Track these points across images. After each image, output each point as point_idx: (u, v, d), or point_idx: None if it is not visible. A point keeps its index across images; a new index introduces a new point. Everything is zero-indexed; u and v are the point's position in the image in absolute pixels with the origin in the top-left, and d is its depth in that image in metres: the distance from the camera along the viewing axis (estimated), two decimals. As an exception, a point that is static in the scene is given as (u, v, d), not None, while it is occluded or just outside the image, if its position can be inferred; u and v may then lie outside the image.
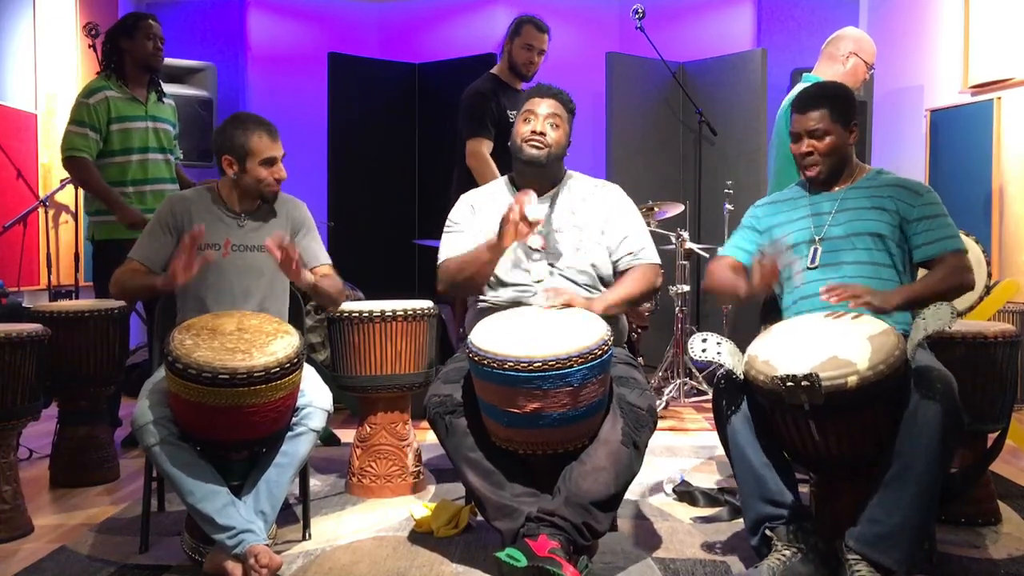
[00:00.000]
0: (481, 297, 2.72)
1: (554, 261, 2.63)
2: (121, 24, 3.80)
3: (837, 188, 2.56)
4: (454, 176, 3.90)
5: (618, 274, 2.70)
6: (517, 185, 2.76)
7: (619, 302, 2.59)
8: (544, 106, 2.66)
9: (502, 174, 3.55)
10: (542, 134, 2.63)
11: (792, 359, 2.13)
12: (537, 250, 2.63)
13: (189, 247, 2.48)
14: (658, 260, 2.74)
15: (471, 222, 2.74)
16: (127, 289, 2.68)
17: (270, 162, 2.69)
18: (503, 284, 2.66)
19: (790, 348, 2.20)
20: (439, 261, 2.77)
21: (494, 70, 3.97)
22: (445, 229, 2.81)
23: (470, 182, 3.68)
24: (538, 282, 2.61)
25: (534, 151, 2.64)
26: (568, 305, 2.46)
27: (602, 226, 2.68)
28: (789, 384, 2.04)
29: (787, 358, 2.14)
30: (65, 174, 5.04)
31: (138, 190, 3.71)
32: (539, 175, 2.69)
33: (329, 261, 2.88)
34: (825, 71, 3.32)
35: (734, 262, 2.65)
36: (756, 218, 2.69)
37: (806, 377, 2.03)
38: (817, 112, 2.51)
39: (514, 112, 3.79)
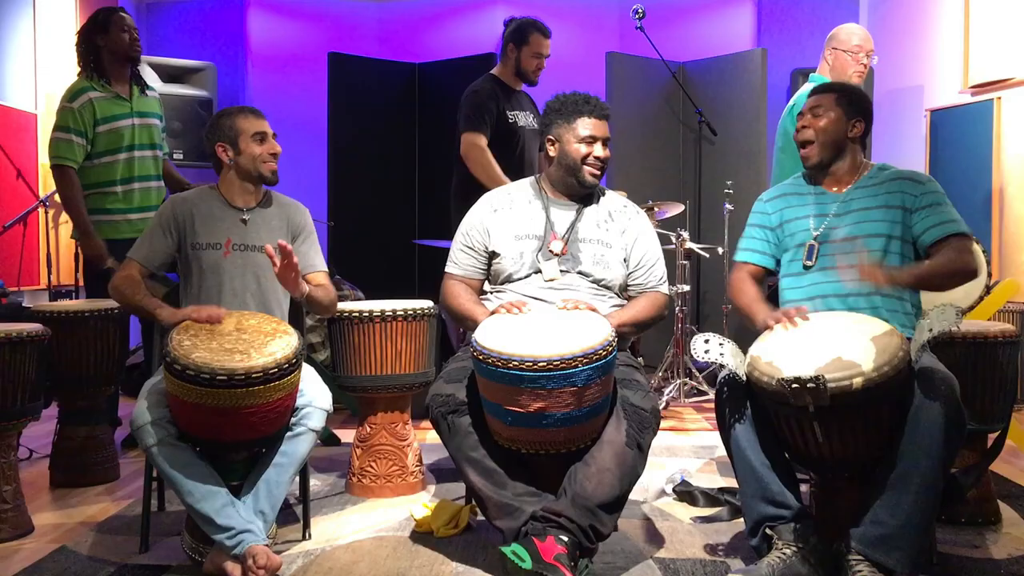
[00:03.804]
0: (487, 288, 2.74)
1: (571, 268, 2.63)
2: (92, 22, 3.71)
3: (842, 188, 2.56)
4: (453, 179, 3.89)
5: (629, 297, 2.72)
6: (546, 192, 2.75)
7: (629, 323, 2.60)
8: (603, 129, 2.67)
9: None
10: (606, 160, 2.67)
11: (796, 360, 2.13)
12: (557, 254, 2.64)
13: (211, 316, 2.47)
14: (668, 291, 2.76)
15: (484, 239, 2.71)
16: (127, 303, 2.66)
17: (261, 137, 2.71)
18: (511, 280, 2.66)
19: (793, 349, 2.19)
20: (446, 270, 2.76)
21: (494, 71, 3.96)
22: (458, 238, 2.77)
23: (470, 183, 3.67)
24: (549, 281, 2.61)
25: (594, 178, 2.67)
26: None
27: (628, 247, 2.69)
28: (794, 386, 2.04)
29: (791, 359, 2.14)
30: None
31: (125, 189, 3.68)
32: (583, 191, 2.71)
33: (325, 269, 2.87)
34: (822, 75, 3.43)
35: (755, 269, 2.62)
36: (766, 214, 2.65)
37: (812, 379, 2.02)
38: (823, 95, 2.56)
39: (514, 113, 3.79)
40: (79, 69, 3.75)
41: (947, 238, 2.39)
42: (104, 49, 3.68)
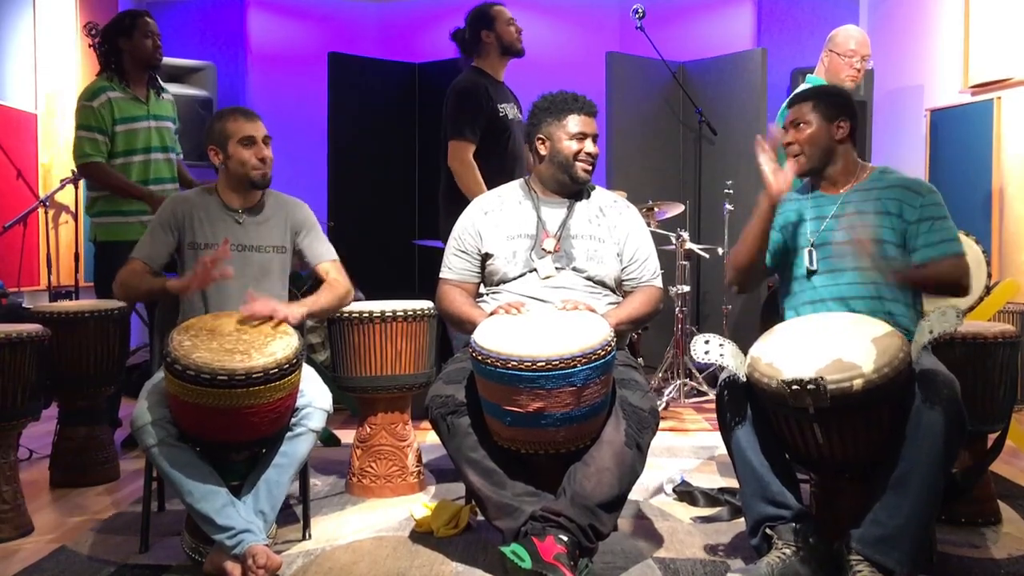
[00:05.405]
0: (483, 291, 2.74)
1: (564, 265, 2.64)
2: (118, 23, 3.74)
3: (839, 190, 2.55)
4: (442, 181, 3.85)
5: (624, 292, 2.73)
6: (536, 191, 2.76)
7: (626, 320, 2.62)
8: (592, 125, 2.71)
9: (493, 170, 3.55)
10: (596, 156, 2.70)
11: (796, 362, 2.13)
12: (550, 252, 2.65)
13: (210, 264, 2.48)
14: (661, 285, 2.78)
15: (476, 242, 2.72)
16: (134, 291, 2.69)
17: (249, 141, 2.69)
18: (505, 280, 2.66)
19: (793, 350, 2.19)
20: (441, 276, 2.77)
21: (477, 64, 3.86)
22: (450, 243, 2.78)
23: (457, 186, 3.64)
24: (546, 278, 2.62)
25: (586, 174, 2.70)
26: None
27: (620, 242, 2.71)
28: (795, 388, 2.04)
29: (791, 361, 2.14)
30: (65, 174, 5.08)
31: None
32: (575, 187, 2.73)
33: (334, 257, 2.86)
34: (818, 76, 3.47)
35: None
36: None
37: (812, 381, 2.02)
38: (800, 105, 2.55)
39: (503, 106, 3.77)
40: (98, 68, 3.77)
41: (943, 258, 2.40)
42: (126, 53, 3.71)
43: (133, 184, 3.63)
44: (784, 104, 3.40)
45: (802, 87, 3.31)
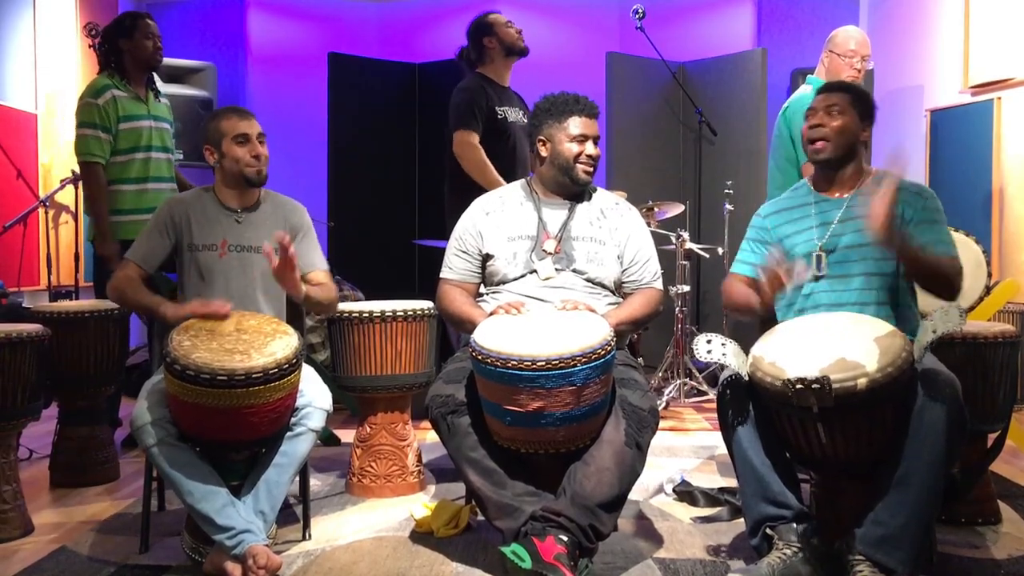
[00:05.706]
0: (483, 291, 2.74)
1: (565, 266, 2.64)
2: (118, 25, 3.77)
3: (844, 193, 2.54)
4: (447, 178, 3.89)
5: (624, 294, 2.73)
6: (537, 192, 2.76)
7: (626, 321, 2.62)
8: (594, 127, 2.71)
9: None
10: (597, 158, 2.70)
11: (799, 361, 2.12)
12: (550, 253, 2.65)
13: (203, 309, 2.47)
14: (661, 287, 2.78)
15: (477, 242, 2.73)
16: (127, 301, 2.68)
17: (243, 139, 2.69)
18: (505, 281, 2.67)
19: (796, 349, 2.19)
20: (441, 276, 2.77)
21: (480, 70, 3.93)
22: (451, 243, 2.78)
23: (463, 182, 3.68)
24: (546, 279, 2.62)
25: (587, 176, 2.70)
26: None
27: (621, 244, 2.71)
28: (799, 387, 2.04)
29: (794, 360, 2.14)
30: (65, 174, 5.09)
31: (139, 188, 3.70)
32: (576, 189, 2.73)
33: (325, 267, 2.86)
34: (819, 76, 3.46)
35: (748, 279, 2.61)
36: (765, 229, 2.64)
37: (817, 380, 2.02)
38: (839, 94, 2.53)
39: (503, 109, 3.80)
40: (99, 67, 3.79)
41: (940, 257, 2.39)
42: (127, 53, 3.72)
43: (104, 212, 3.61)
44: (787, 104, 3.40)
45: (803, 89, 3.32)
